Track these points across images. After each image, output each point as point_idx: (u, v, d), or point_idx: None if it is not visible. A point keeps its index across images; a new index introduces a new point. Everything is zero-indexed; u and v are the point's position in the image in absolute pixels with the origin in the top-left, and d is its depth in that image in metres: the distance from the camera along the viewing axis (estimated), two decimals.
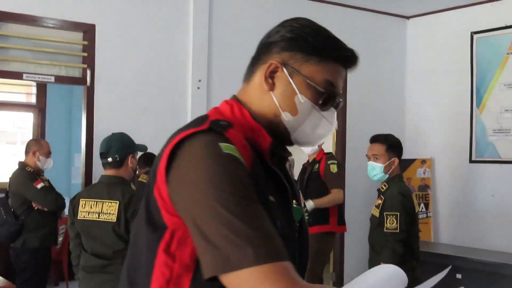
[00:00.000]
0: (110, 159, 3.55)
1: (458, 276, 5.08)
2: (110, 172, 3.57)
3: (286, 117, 1.37)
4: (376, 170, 4.11)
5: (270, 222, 1.14)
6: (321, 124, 1.40)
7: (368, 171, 4.18)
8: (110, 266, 3.43)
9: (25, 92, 8.15)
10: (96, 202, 3.49)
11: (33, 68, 5.03)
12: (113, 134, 3.70)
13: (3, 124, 8.29)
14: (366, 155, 4.22)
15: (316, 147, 5.43)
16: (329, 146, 7.61)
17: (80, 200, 3.57)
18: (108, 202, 3.46)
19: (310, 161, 5.62)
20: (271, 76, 1.37)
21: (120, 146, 3.56)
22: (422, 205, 6.58)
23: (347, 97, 6.54)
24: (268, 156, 1.35)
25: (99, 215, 3.46)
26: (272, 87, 1.37)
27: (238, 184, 1.15)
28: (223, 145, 1.19)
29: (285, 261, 1.10)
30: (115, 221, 3.42)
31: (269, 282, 1.06)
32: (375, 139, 4.22)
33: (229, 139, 1.22)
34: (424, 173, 6.77)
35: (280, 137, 1.39)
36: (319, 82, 1.36)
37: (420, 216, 4.46)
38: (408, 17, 7.13)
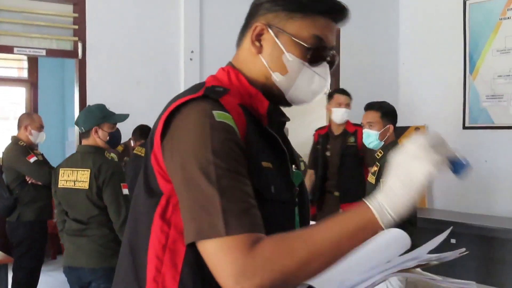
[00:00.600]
0: (80, 131, 3.79)
1: (453, 241, 5.13)
2: (84, 142, 3.79)
3: (277, 77, 1.36)
4: (372, 137, 4.11)
5: (249, 195, 1.16)
6: (314, 80, 1.38)
7: (363, 139, 4.18)
8: (86, 230, 3.66)
9: (16, 66, 8.09)
10: (72, 171, 3.70)
11: (24, 42, 4.99)
12: (88, 106, 3.94)
13: None
14: (361, 123, 4.22)
15: (345, 117, 5.27)
16: (322, 114, 7.61)
17: (60, 169, 3.78)
18: (82, 170, 3.67)
19: (336, 133, 5.36)
20: (258, 39, 1.37)
21: (85, 119, 3.74)
22: None
23: (340, 65, 6.52)
24: (266, 121, 1.35)
25: (74, 183, 3.67)
26: (260, 49, 1.37)
27: (224, 155, 1.16)
28: (216, 113, 1.20)
29: (255, 233, 1.12)
30: (87, 188, 3.62)
31: (229, 253, 1.09)
32: (369, 106, 4.22)
33: (223, 106, 1.23)
34: None
35: (276, 99, 1.39)
36: (306, 38, 1.34)
37: None
38: None
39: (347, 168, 5.24)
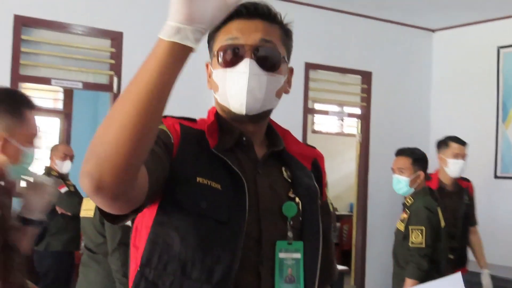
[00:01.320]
0: None
1: None
2: None
3: (217, 96, 1.46)
4: (402, 183, 4.09)
5: (154, 152, 1.26)
6: (239, 79, 1.40)
7: (393, 184, 4.15)
8: (94, 259, 3.75)
9: (52, 97, 8.25)
10: (88, 200, 3.85)
11: (61, 74, 5.09)
12: None
13: None
14: (391, 168, 4.19)
15: (463, 170, 4.72)
16: (352, 156, 7.58)
17: (84, 199, 3.99)
18: None
19: (450, 189, 4.73)
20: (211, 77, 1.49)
21: None
22: None
23: (371, 108, 6.53)
24: (211, 143, 1.41)
25: (87, 212, 3.82)
26: (211, 84, 1.49)
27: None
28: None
29: None
30: (92, 216, 3.74)
31: None
32: (400, 152, 4.20)
33: (163, 123, 1.39)
34: None
35: (234, 117, 1.45)
36: (221, 47, 1.42)
37: None
38: (433, 30, 7.10)
39: (464, 229, 4.72)
